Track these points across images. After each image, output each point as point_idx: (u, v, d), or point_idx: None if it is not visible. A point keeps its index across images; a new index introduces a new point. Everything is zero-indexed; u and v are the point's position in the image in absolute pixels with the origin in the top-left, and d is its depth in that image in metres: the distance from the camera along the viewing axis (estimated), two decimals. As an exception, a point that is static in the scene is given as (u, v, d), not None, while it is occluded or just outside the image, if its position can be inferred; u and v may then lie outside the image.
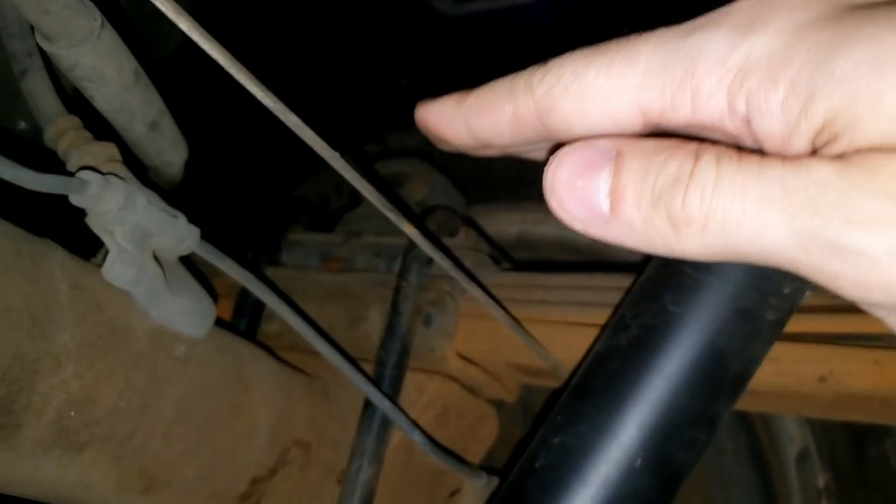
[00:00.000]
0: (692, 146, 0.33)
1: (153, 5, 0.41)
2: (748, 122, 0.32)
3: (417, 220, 0.92)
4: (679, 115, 0.34)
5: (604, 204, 0.34)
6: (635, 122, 0.36)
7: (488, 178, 1.44)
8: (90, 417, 0.60)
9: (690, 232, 0.32)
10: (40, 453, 0.58)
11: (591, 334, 0.82)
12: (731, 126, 0.33)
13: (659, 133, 0.37)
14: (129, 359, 0.62)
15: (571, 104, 0.36)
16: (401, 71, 1.67)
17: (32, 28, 0.65)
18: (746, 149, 0.32)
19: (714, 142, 0.33)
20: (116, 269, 0.58)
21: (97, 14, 0.58)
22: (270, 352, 0.82)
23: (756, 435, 1.20)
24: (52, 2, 0.53)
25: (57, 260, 0.59)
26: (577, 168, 0.35)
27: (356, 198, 1.20)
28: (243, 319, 0.97)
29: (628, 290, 0.67)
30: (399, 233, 1.02)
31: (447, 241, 0.97)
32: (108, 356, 0.60)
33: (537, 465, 0.61)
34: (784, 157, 0.30)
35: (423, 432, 0.75)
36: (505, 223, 1.42)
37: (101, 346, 0.60)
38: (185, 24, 0.46)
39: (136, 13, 0.93)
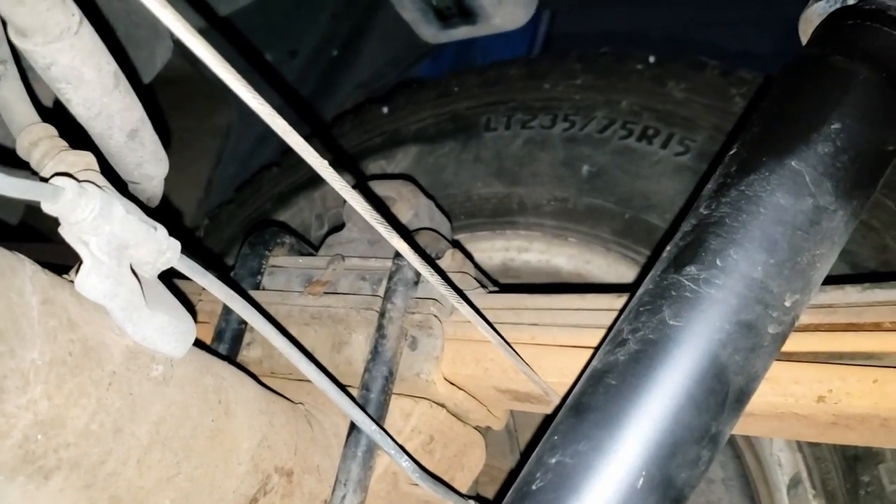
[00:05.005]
0: None
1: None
2: None
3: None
4: None
5: None
6: None
7: (472, 206, 1.43)
8: (59, 441, 0.56)
9: None
10: (4, 480, 0.54)
11: (583, 357, 0.80)
12: None
13: None
14: (102, 378, 0.58)
15: None
16: (383, 100, 1.67)
17: (6, 33, 0.62)
18: None
19: None
20: (91, 280, 0.55)
21: (75, 10, 0.55)
22: (252, 376, 0.78)
23: (745, 463, 1.18)
24: None
25: (27, 273, 0.56)
26: None
27: (338, 227, 1.17)
28: (223, 345, 0.93)
29: (624, 307, 0.66)
30: (384, 256, 1.00)
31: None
32: (79, 375, 0.57)
33: (534, 486, 0.59)
34: None
35: (412, 458, 0.72)
36: (488, 250, 1.41)
37: (72, 364, 0.56)
38: (178, 27, 0.44)
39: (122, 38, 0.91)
